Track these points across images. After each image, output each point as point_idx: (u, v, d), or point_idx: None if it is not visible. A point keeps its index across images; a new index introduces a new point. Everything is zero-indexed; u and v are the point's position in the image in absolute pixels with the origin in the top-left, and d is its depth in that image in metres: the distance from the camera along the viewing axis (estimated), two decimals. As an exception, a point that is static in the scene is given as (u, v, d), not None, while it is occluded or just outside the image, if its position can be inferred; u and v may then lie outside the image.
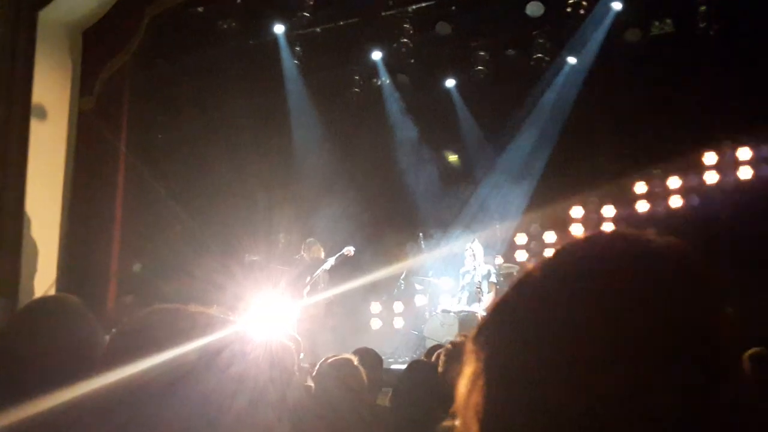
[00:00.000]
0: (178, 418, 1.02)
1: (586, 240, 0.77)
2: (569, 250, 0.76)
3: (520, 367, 0.69)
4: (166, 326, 1.13)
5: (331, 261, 9.47)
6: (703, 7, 9.84)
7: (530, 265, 0.76)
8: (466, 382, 0.73)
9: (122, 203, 9.30)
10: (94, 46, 8.51)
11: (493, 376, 0.71)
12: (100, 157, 8.84)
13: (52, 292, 7.58)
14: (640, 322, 0.66)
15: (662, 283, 0.69)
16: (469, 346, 0.75)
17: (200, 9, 10.73)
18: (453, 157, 11.91)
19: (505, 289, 0.77)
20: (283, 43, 11.36)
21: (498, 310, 0.76)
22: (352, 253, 9.54)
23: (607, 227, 10.77)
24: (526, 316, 0.72)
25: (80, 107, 8.42)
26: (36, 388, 1.37)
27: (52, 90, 7.97)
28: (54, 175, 8.02)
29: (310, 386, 3.22)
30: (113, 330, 1.19)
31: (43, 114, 7.72)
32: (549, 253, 0.78)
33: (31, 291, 7.22)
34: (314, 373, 3.35)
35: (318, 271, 9.41)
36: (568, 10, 10.21)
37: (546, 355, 0.68)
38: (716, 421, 0.65)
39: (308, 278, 9.38)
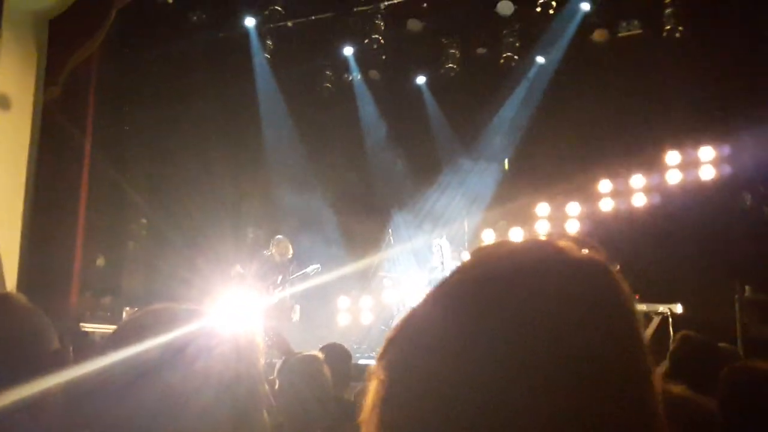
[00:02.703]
0: (140, 412, 1.02)
1: (482, 256, 0.72)
2: (477, 263, 0.71)
3: (412, 404, 0.65)
4: (133, 324, 1.14)
5: (297, 272, 9.42)
6: (669, 9, 10.00)
7: (441, 281, 0.71)
8: (368, 403, 0.69)
9: (86, 196, 9.16)
10: (61, 35, 8.36)
11: (388, 407, 0.67)
12: (64, 148, 8.70)
13: (14, 286, 7.44)
14: (551, 339, 0.63)
15: (576, 299, 0.65)
16: (375, 366, 0.70)
17: (170, 0, 10.59)
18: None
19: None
20: (254, 36, 11.28)
21: (402, 328, 0.70)
22: (318, 271, 9.49)
23: (573, 224, 10.90)
24: (427, 340, 0.67)
25: (45, 97, 8.27)
26: None
27: (16, 79, 7.82)
28: (17, 166, 7.87)
29: (274, 381, 3.21)
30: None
31: (6, 104, 7.57)
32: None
33: (-8, 284, 7.08)
34: (278, 369, 3.35)
35: (285, 275, 9.36)
36: (538, 9, 10.30)
37: (443, 387, 0.63)
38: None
39: (278, 278, 9.33)
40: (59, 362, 1.52)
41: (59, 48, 8.37)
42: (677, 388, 1.56)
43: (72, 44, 8.48)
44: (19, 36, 7.90)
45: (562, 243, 0.71)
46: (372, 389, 0.69)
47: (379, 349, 0.72)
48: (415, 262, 10.55)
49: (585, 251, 0.71)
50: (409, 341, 0.69)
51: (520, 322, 0.64)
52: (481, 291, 0.67)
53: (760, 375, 2.36)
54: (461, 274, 0.71)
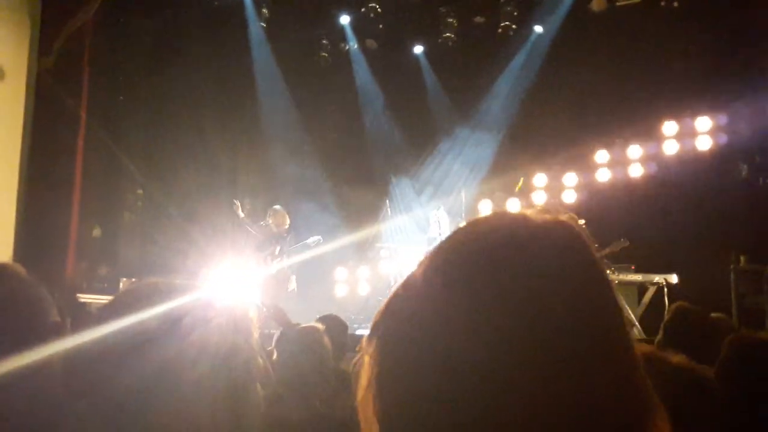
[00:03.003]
0: (137, 383, 1.02)
1: (469, 230, 0.72)
2: (451, 241, 0.71)
3: (406, 380, 0.65)
4: (130, 295, 1.14)
5: (294, 243, 9.41)
6: (668, -21, 9.93)
7: (419, 262, 0.71)
8: (363, 383, 0.69)
9: (81, 167, 9.12)
10: (55, 3, 8.26)
11: (382, 388, 0.67)
12: (58, 118, 8.64)
13: (10, 257, 7.45)
14: (539, 307, 0.63)
15: (549, 267, 0.66)
16: (365, 345, 0.70)
17: (164, -32, 10.47)
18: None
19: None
20: (249, 5, 11.15)
21: (388, 309, 0.70)
22: (319, 243, 9.47)
23: (569, 195, 10.90)
24: (418, 312, 0.67)
25: (39, 66, 8.20)
26: None
27: (9, 48, 7.74)
28: (11, 136, 7.82)
29: (272, 352, 3.22)
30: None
31: (0, 73, 7.50)
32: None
33: (-11, 255, 7.08)
34: (276, 340, 3.37)
35: (284, 246, 9.36)
36: (536, -22, 10.22)
37: (436, 360, 0.63)
38: (605, 397, 0.64)
39: (276, 248, 9.33)
40: (57, 333, 1.53)
41: (53, 16, 8.27)
42: (676, 358, 1.58)
43: (66, 13, 8.38)
44: (12, 4, 7.80)
45: (540, 212, 0.72)
46: (365, 366, 0.69)
47: (371, 325, 0.71)
48: (413, 233, 10.57)
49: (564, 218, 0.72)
50: (399, 315, 0.69)
51: (507, 291, 0.64)
52: (468, 263, 0.68)
53: (763, 346, 2.39)
54: (447, 247, 0.71)
